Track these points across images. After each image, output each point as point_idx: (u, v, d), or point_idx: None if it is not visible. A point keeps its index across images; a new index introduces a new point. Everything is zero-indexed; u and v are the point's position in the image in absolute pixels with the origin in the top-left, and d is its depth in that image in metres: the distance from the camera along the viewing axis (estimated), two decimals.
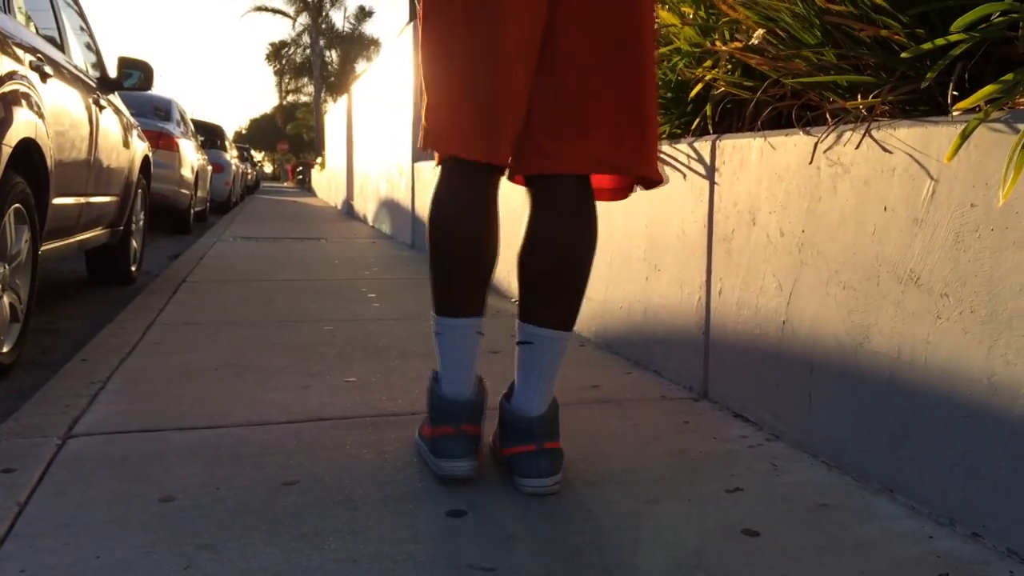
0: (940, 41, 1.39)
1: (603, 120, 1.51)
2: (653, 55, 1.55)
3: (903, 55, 1.44)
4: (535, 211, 1.60)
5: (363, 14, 44.96)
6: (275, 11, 41.39)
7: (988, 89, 1.26)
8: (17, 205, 2.59)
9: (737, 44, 1.92)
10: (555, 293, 1.57)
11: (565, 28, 1.49)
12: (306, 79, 45.79)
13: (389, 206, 7.80)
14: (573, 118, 1.51)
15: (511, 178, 1.65)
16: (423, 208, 6.01)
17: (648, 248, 2.43)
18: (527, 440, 1.55)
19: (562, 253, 1.56)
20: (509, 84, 1.48)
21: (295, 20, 42.19)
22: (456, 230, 1.57)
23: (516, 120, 1.51)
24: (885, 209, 1.52)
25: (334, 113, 16.08)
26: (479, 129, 1.49)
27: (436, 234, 1.59)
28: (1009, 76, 1.24)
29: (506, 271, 3.87)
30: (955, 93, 1.40)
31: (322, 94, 42.89)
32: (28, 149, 2.66)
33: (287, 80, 47.10)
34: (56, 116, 2.98)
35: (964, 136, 1.30)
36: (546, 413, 1.59)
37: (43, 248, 2.94)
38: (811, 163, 1.71)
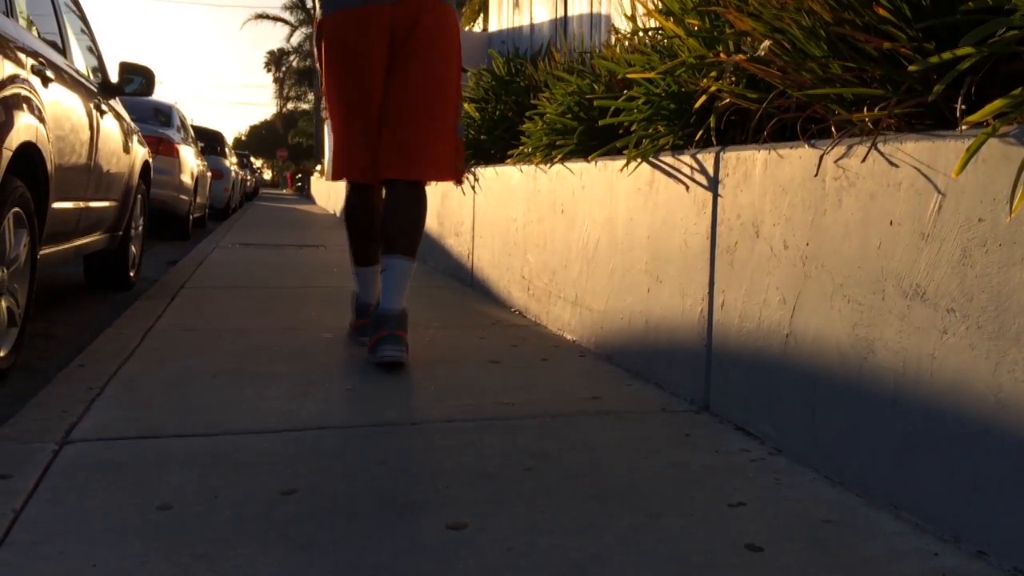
0: (947, 55, 1.38)
1: (411, 149, 2.61)
2: (444, 105, 2.64)
3: (910, 68, 1.43)
4: (387, 194, 2.68)
5: None
6: (276, 19, 41.46)
7: (997, 104, 1.25)
8: (16, 209, 2.58)
9: (742, 56, 1.91)
10: (398, 235, 2.60)
11: (394, 90, 2.60)
12: (306, 87, 45.80)
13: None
14: (397, 148, 2.60)
15: (375, 181, 2.73)
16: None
17: (650, 259, 2.42)
18: (384, 328, 2.49)
19: (403, 214, 2.63)
20: (368, 130, 2.63)
21: (296, 28, 42.19)
22: (354, 218, 2.84)
23: (375, 154, 2.63)
24: (891, 223, 1.51)
25: None
26: (360, 165, 2.67)
27: (347, 222, 2.87)
28: (1018, 91, 1.24)
29: (505, 281, 3.86)
30: (963, 107, 1.39)
31: (322, 102, 42.94)
32: (28, 153, 2.65)
33: (287, 88, 47.12)
34: (57, 120, 2.97)
35: (972, 151, 1.29)
36: (398, 313, 2.52)
37: (42, 252, 2.92)
38: (816, 176, 1.71)
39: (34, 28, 3.20)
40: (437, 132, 2.63)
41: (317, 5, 2.74)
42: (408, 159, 2.61)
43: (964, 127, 1.36)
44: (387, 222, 2.63)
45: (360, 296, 2.91)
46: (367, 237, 2.82)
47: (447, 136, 2.66)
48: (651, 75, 2.33)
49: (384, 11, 2.56)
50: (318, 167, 22.57)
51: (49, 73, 2.94)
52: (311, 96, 44.35)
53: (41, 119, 2.74)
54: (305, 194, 29.14)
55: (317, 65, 2.79)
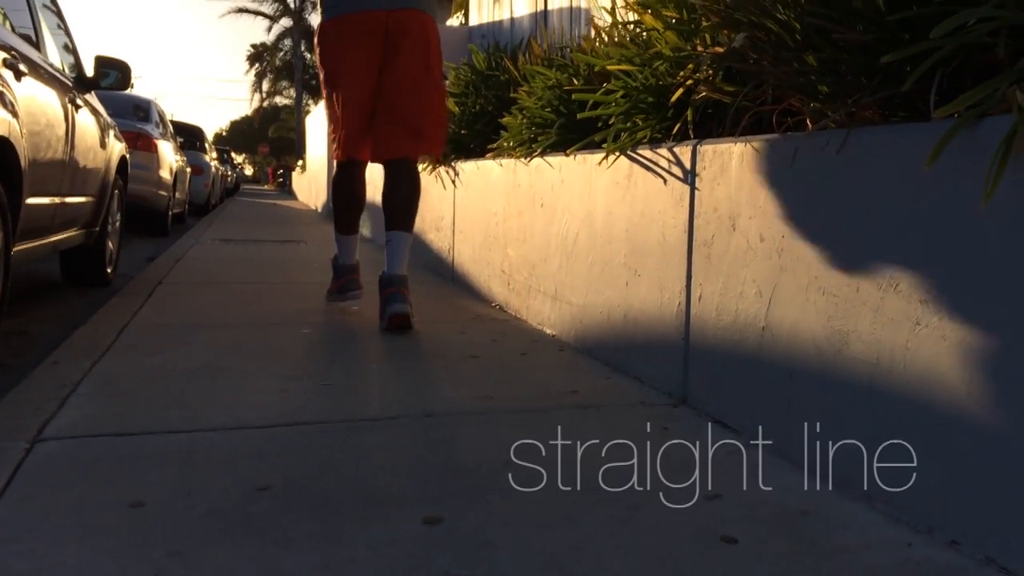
0: (920, 47, 1.38)
1: (408, 129, 3.13)
2: (434, 91, 3.19)
3: (883, 59, 1.43)
4: (387, 176, 3.21)
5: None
6: (256, 13, 41.08)
7: (968, 95, 1.26)
8: None
9: (719, 48, 1.91)
10: (401, 213, 3.18)
11: (386, 81, 3.11)
12: (287, 82, 45.44)
13: (368, 210, 7.73)
14: (394, 129, 3.12)
15: (374, 161, 3.29)
16: None
17: (628, 253, 2.42)
18: (392, 286, 3.05)
19: (404, 194, 3.19)
20: (364, 117, 3.14)
21: (275, 21, 41.74)
22: (345, 191, 3.40)
23: (367, 134, 3.17)
24: (866, 215, 1.52)
25: (315, 116, 16.01)
26: (353, 144, 3.18)
27: (334, 195, 3.47)
28: (989, 82, 1.24)
29: (486, 276, 3.86)
30: (936, 99, 1.39)
31: (303, 97, 42.60)
32: (1, 148, 2.62)
33: (269, 83, 46.74)
34: (31, 115, 2.93)
35: (944, 142, 1.30)
36: (401, 275, 3.08)
37: (16, 249, 2.89)
38: (791, 168, 1.71)
39: (7, 22, 3.16)
40: (431, 110, 3.16)
41: (319, 9, 3.23)
42: (406, 137, 3.13)
43: (936, 119, 1.37)
44: (389, 201, 3.17)
45: (340, 258, 3.42)
46: (354, 208, 3.43)
47: (439, 113, 3.24)
48: (628, 67, 2.33)
49: (379, 16, 3.06)
50: (299, 163, 22.45)
51: (22, 67, 2.91)
52: (292, 92, 44.02)
53: (14, 113, 2.70)
54: (287, 190, 28.96)
55: (318, 61, 3.25)
